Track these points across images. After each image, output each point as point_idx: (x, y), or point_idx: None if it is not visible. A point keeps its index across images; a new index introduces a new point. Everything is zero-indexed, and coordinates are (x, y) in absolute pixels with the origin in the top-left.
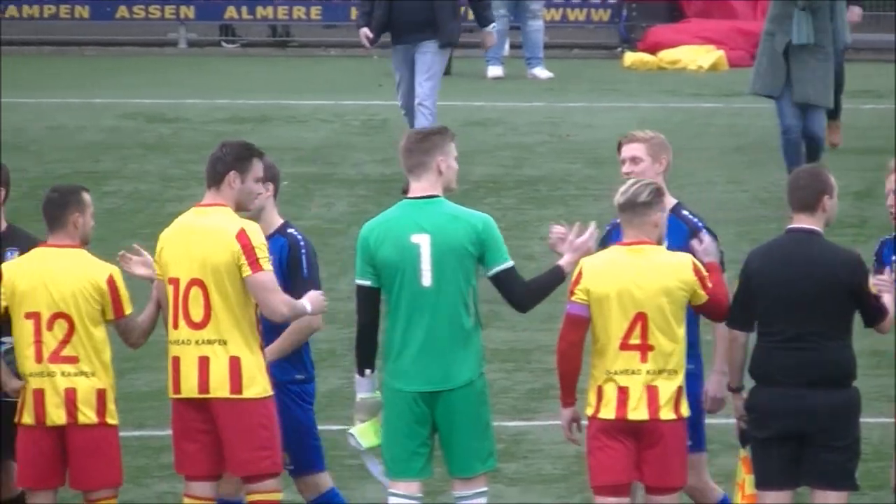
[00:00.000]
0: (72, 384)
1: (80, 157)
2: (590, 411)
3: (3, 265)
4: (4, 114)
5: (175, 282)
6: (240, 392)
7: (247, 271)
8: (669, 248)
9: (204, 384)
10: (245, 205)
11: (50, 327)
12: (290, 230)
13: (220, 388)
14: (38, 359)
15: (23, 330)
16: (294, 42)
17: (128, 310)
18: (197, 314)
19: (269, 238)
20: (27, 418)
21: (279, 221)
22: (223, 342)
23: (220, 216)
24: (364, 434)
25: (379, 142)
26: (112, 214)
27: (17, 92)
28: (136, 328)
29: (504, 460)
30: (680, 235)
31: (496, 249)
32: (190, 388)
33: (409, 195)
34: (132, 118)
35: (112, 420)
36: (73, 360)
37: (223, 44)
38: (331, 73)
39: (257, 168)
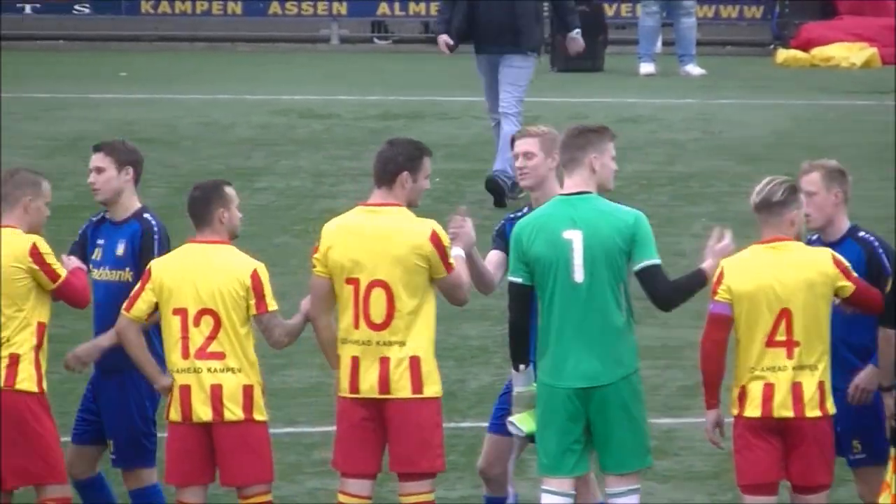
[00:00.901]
0: (217, 380)
1: (231, 153)
2: (735, 411)
3: (153, 262)
4: (158, 109)
5: (355, 282)
6: (420, 392)
7: (442, 273)
8: None
9: (384, 384)
10: (415, 202)
11: (196, 323)
12: (146, 215)
13: (401, 388)
14: (185, 355)
15: (171, 326)
16: None
17: (272, 306)
18: (378, 315)
19: (125, 222)
20: (174, 415)
21: (137, 206)
22: (404, 343)
23: (400, 217)
24: (523, 421)
25: None
26: (264, 211)
27: (169, 87)
28: (280, 326)
29: (656, 457)
30: None
31: (645, 245)
32: (369, 387)
33: (562, 191)
34: (284, 114)
35: (260, 416)
36: (219, 356)
37: (375, 40)
38: None
39: (427, 166)
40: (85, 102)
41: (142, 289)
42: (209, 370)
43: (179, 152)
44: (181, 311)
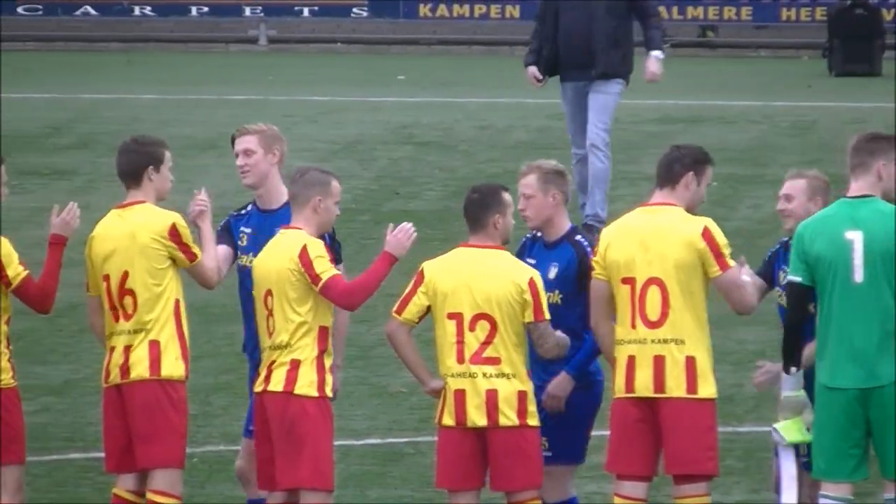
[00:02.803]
0: (492, 385)
1: (508, 157)
2: None
3: (426, 265)
4: (435, 112)
5: (631, 281)
6: (695, 392)
7: (716, 271)
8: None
9: (660, 383)
10: (693, 208)
11: (472, 328)
12: None
13: (676, 387)
14: (460, 359)
15: (445, 330)
16: (723, 42)
17: (546, 315)
18: (654, 313)
19: None
20: (448, 419)
21: None
22: (680, 342)
23: (676, 215)
24: (787, 429)
25: (808, 143)
26: None
27: (446, 91)
28: (554, 336)
29: None
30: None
31: None
32: (644, 387)
33: (847, 194)
34: (562, 118)
35: (533, 422)
36: (494, 361)
37: None
38: (760, 73)
39: (710, 174)
40: (363, 105)
41: (413, 292)
42: (484, 375)
43: (456, 156)
44: (456, 316)
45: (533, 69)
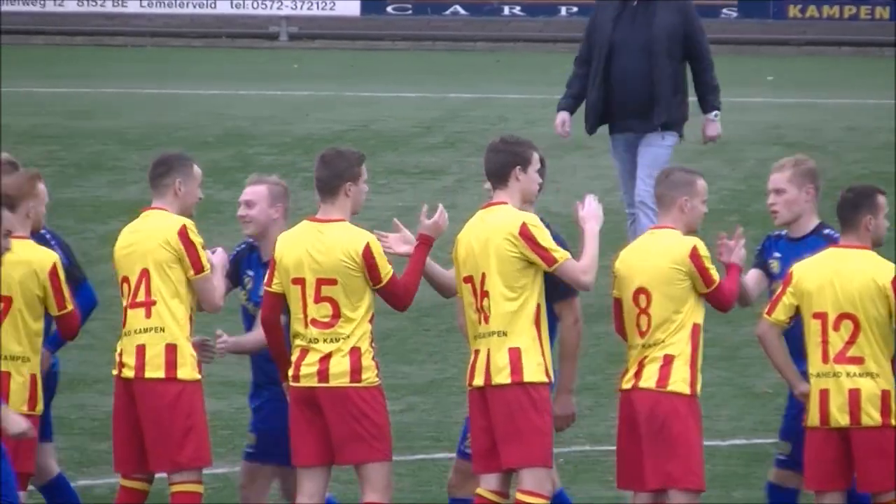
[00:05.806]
0: (855, 385)
1: (876, 158)
2: None
3: (795, 266)
4: (803, 114)
5: None
6: None
7: None
8: None
9: None
10: None
11: (836, 327)
12: None
13: None
14: (824, 359)
15: (811, 330)
16: None
17: None
18: None
19: None
20: (813, 420)
21: None
22: None
23: None
24: None
25: None
26: None
27: (815, 92)
28: None
29: None
30: None
31: None
32: None
33: None
34: None
35: None
36: (858, 360)
37: None
38: None
39: None
40: (731, 106)
41: (783, 292)
42: (847, 374)
43: (826, 157)
44: (821, 315)
45: (564, 115)
